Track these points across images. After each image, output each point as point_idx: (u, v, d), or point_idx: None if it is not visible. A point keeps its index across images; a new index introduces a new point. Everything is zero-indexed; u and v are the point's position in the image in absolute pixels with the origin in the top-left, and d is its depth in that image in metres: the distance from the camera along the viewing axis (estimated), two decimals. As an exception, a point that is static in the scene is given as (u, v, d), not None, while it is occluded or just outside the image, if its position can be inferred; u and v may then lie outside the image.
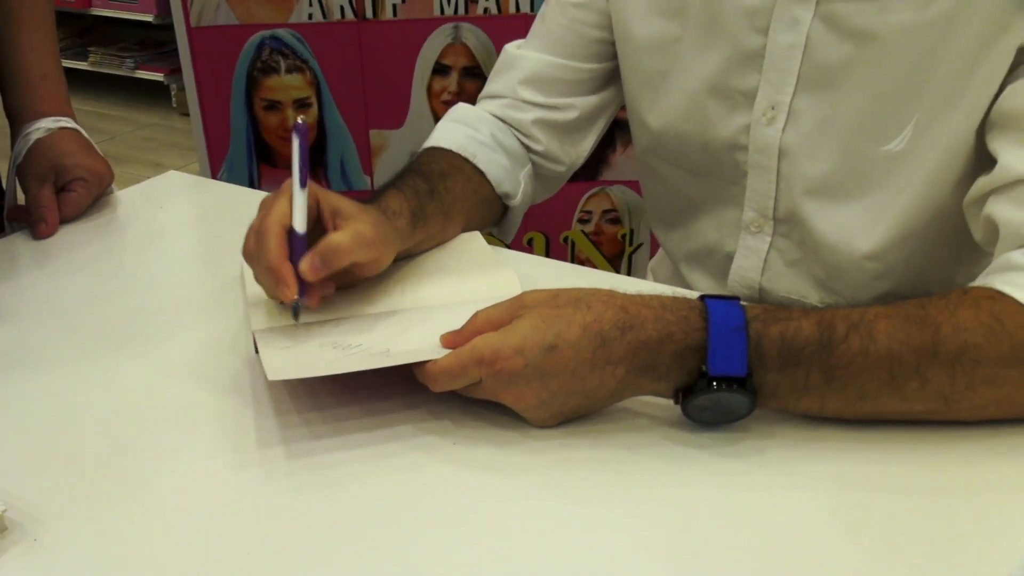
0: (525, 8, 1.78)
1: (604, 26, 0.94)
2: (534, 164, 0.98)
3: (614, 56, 0.96)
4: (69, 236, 0.95)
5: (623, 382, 0.64)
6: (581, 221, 2.00)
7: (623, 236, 2.02)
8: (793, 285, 0.90)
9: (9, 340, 0.78)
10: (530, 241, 1.98)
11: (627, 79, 0.95)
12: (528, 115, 0.96)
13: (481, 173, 0.92)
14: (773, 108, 0.83)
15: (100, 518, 0.59)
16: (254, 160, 1.90)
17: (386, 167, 1.91)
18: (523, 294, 0.67)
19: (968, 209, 0.78)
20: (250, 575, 0.55)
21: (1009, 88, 0.74)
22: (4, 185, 1.05)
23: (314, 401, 0.69)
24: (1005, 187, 0.72)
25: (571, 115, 0.97)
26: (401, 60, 1.82)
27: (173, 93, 3.99)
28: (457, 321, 0.68)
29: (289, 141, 1.87)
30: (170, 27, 4.04)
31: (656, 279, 1.12)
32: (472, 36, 1.81)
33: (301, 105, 1.85)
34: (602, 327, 0.63)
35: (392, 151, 1.90)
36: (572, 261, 1.79)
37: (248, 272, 0.76)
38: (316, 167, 1.91)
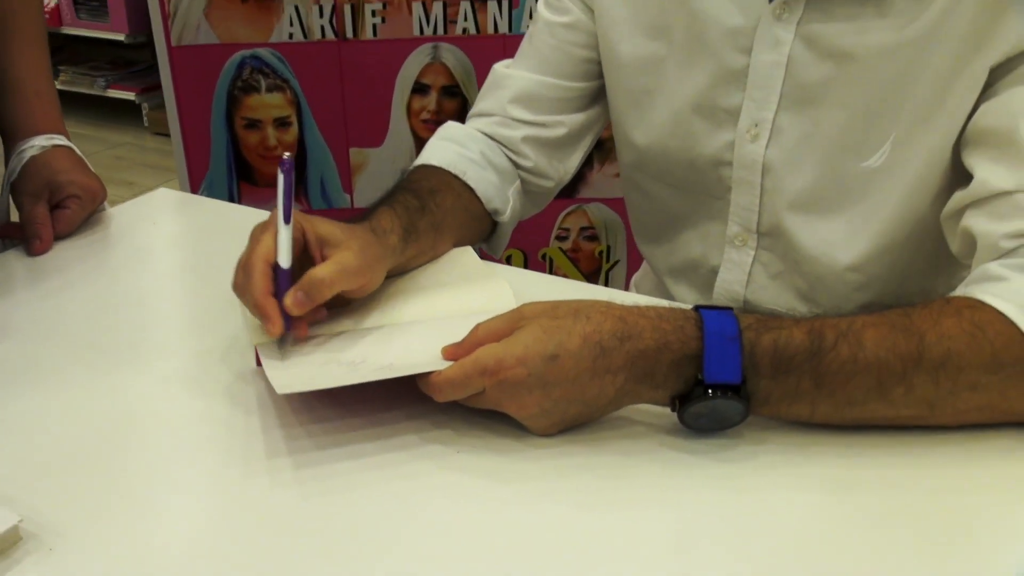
0: (503, 28, 1.80)
1: (591, 46, 0.97)
2: (523, 180, 1.00)
3: (600, 75, 0.98)
4: (64, 252, 0.96)
5: (622, 390, 0.66)
6: (559, 238, 2.02)
7: (600, 253, 2.05)
8: (777, 297, 0.93)
9: (12, 355, 0.78)
10: (508, 258, 2.00)
11: (613, 97, 0.97)
12: (518, 132, 0.98)
13: (471, 190, 0.94)
14: (756, 125, 0.86)
15: (113, 527, 0.60)
16: (234, 178, 1.91)
17: (366, 185, 1.93)
18: (523, 306, 0.69)
19: (945, 222, 0.81)
20: (265, 581, 0.56)
21: (983, 107, 0.77)
22: (-2, 202, 1.06)
23: (318, 412, 0.70)
24: (981, 201, 0.74)
25: (559, 132, 0.99)
26: (381, 79, 1.84)
27: (145, 112, 3.98)
28: (456, 334, 0.70)
29: (269, 160, 1.90)
30: (142, 46, 4.05)
31: (639, 293, 1.14)
32: (451, 56, 1.83)
33: (281, 124, 1.87)
34: (601, 337, 0.64)
35: (372, 169, 1.92)
36: (552, 277, 1.80)
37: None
38: (297, 185, 1.92)
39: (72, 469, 0.65)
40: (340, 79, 1.83)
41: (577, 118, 0.99)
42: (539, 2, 1.00)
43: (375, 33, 1.80)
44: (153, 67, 4.10)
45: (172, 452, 0.67)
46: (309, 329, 0.75)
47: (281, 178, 0.73)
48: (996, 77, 0.76)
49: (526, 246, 2.01)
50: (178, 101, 1.83)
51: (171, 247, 0.99)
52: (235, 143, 1.88)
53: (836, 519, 0.61)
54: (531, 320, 0.66)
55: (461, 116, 1.86)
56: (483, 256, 0.92)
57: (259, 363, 0.73)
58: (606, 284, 2.07)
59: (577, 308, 0.67)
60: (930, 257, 0.87)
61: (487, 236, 1.00)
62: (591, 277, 2.06)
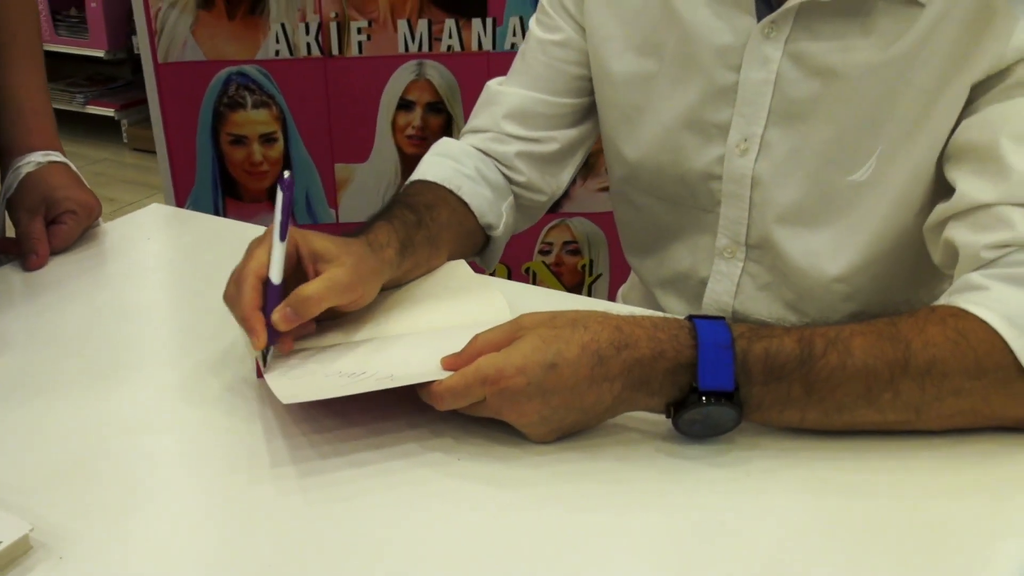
0: (487, 46, 1.83)
1: (582, 63, 0.99)
2: (516, 195, 1.02)
3: (591, 91, 1.00)
4: (60, 267, 0.97)
5: (619, 398, 0.67)
6: (542, 252, 2.04)
7: (583, 267, 2.07)
8: (765, 308, 0.95)
9: (14, 368, 0.79)
10: (492, 273, 2.01)
11: (604, 113, 1.00)
12: (511, 148, 1.00)
13: (465, 204, 0.96)
14: (746, 140, 0.89)
15: (122, 535, 0.61)
16: (220, 194, 1.91)
17: (351, 200, 1.94)
18: (521, 317, 0.70)
19: (928, 234, 0.83)
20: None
21: (964, 122, 0.79)
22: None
23: (319, 422, 0.72)
24: (962, 213, 0.77)
25: (552, 147, 1.01)
26: (366, 96, 1.85)
27: (124, 128, 3.98)
28: (455, 345, 0.71)
29: (255, 176, 1.91)
30: (121, 63, 4.04)
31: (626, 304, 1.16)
32: (436, 73, 1.85)
33: (267, 140, 1.88)
34: (599, 346, 0.66)
35: (357, 184, 1.93)
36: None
37: None
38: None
39: (79, 479, 0.66)
40: (326, 95, 1.85)
41: (569, 134, 1.02)
42: (532, 20, 1.02)
43: (360, 50, 1.81)
44: (132, 84, 4.10)
45: (177, 461, 0.69)
46: (303, 342, 0.77)
47: (280, 196, 0.75)
48: (977, 94, 0.79)
49: (509, 260, 2.03)
50: (164, 117, 1.84)
51: (167, 261, 1.00)
52: (221, 159, 1.89)
53: (827, 522, 0.62)
54: (530, 330, 0.68)
55: (446, 132, 1.89)
56: (475, 270, 0.93)
57: (260, 374, 0.74)
58: (589, 297, 2.08)
59: (575, 318, 0.68)
60: (914, 268, 0.90)
61: (480, 250, 1.02)
62: (574, 291, 2.08)
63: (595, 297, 2.10)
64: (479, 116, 1.03)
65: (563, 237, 2.03)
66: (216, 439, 0.71)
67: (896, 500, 0.64)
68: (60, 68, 4.07)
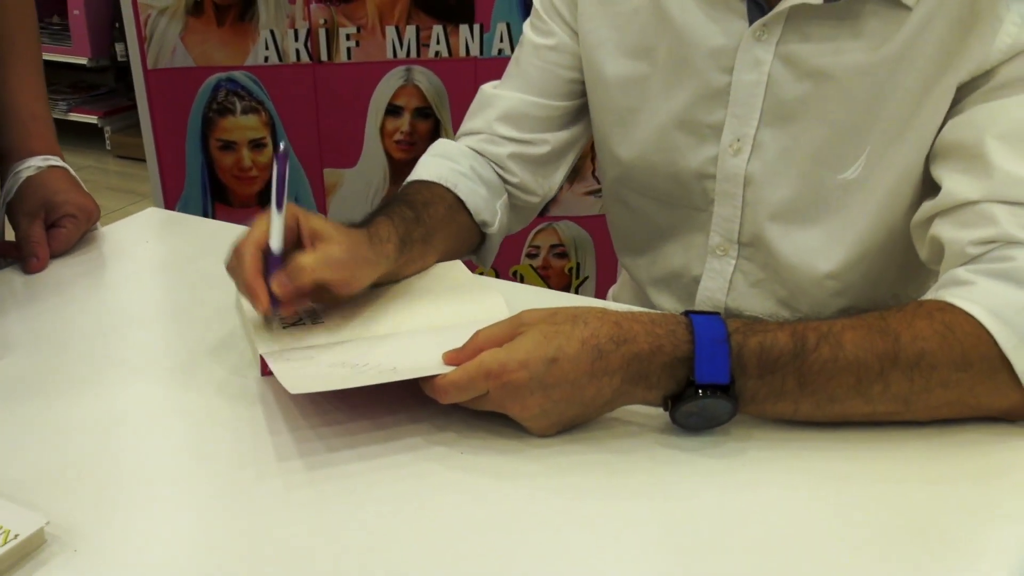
0: (475, 52, 1.85)
1: (574, 67, 1.01)
2: (509, 195, 1.04)
3: (583, 94, 1.02)
4: (60, 271, 0.98)
5: (618, 391, 0.69)
6: (529, 256, 2.06)
7: (570, 270, 2.09)
8: (757, 304, 0.97)
9: (22, 368, 0.80)
10: (480, 275, 2.03)
11: (598, 115, 1.02)
12: (504, 149, 1.02)
13: (461, 202, 0.98)
14: (739, 140, 0.91)
15: (134, 529, 0.62)
16: (209, 199, 1.92)
17: (340, 205, 1.95)
18: (522, 313, 0.72)
19: (915, 230, 0.85)
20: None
21: (950, 122, 0.81)
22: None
23: (324, 417, 0.73)
24: (948, 210, 0.79)
25: (543, 149, 1.03)
26: (355, 101, 1.87)
27: (107, 136, 3.97)
28: (456, 341, 0.73)
29: (244, 181, 1.92)
30: (104, 70, 4.02)
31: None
32: (424, 78, 1.87)
33: (256, 145, 1.89)
34: (599, 341, 0.68)
35: (346, 189, 1.94)
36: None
37: (245, 300, 0.80)
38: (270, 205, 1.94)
39: (91, 475, 0.67)
40: (315, 101, 1.86)
41: (561, 136, 1.04)
42: (526, 25, 1.05)
43: (349, 56, 1.83)
44: (115, 91, 4.10)
45: (186, 456, 0.70)
46: (309, 339, 0.78)
47: (276, 167, 0.77)
48: (963, 94, 0.81)
49: (497, 263, 2.03)
50: (153, 123, 1.85)
51: (166, 263, 1.01)
52: (210, 164, 1.90)
53: (823, 507, 0.64)
54: (531, 326, 0.69)
55: (434, 137, 1.91)
56: (472, 269, 0.95)
57: (264, 373, 0.76)
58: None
59: (575, 314, 0.70)
60: (902, 264, 0.92)
61: (476, 248, 1.04)
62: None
63: (582, 300, 2.12)
64: (473, 119, 1.05)
65: (550, 240, 2.05)
66: (223, 434, 0.72)
67: (888, 488, 0.66)
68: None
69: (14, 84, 1.03)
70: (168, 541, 0.61)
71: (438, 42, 1.84)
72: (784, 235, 0.92)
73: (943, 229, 0.79)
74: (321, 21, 1.79)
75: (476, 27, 1.82)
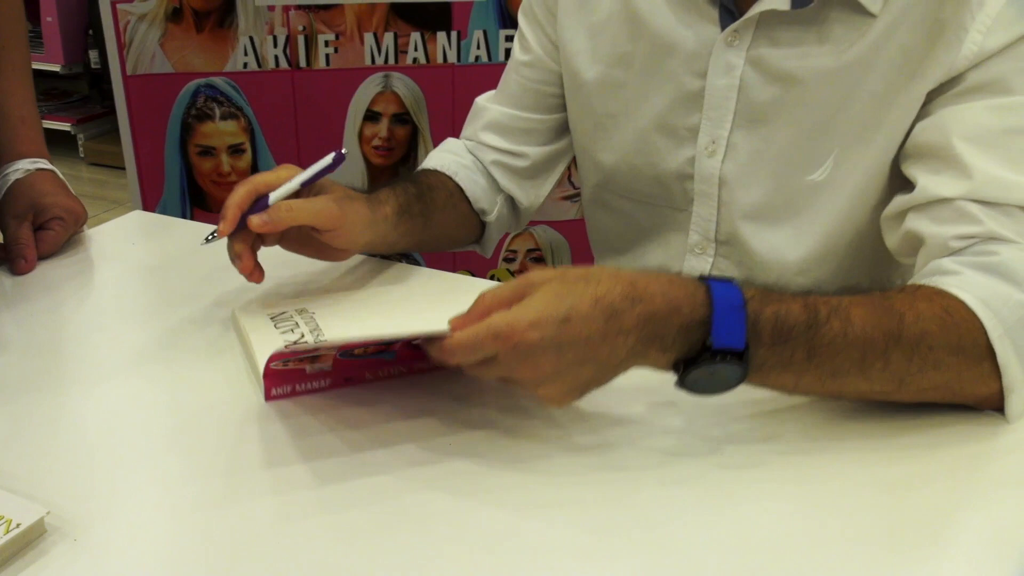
0: (452, 58, 1.87)
1: (551, 82, 1.06)
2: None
3: (562, 108, 1.07)
4: (50, 272, 0.99)
5: (632, 351, 0.67)
6: (507, 260, 2.08)
7: (547, 274, 2.11)
8: (733, 300, 1.00)
9: (17, 367, 0.81)
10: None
11: (578, 123, 1.05)
12: (488, 156, 1.08)
13: (461, 190, 1.03)
14: (714, 142, 0.94)
15: (132, 519, 0.64)
16: (188, 205, 1.93)
17: (319, 210, 1.96)
18: (530, 274, 0.69)
19: (885, 222, 0.88)
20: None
21: (919, 125, 0.85)
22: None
23: (321, 412, 0.74)
24: (923, 206, 0.82)
25: (525, 163, 1.08)
26: (333, 107, 1.88)
27: (81, 143, 3.95)
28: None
29: (222, 186, 1.92)
30: (77, 77, 4.00)
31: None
32: (402, 84, 1.89)
33: (235, 151, 1.90)
34: (612, 299, 0.65)
35: (325, 195, 1.96)
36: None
37: (243, 319, 0.84)
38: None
39: (88, 467, 0.69)
40: (293, 107, 1.88)
41: (543, 150, 1.08)
42: (515, 40, 1.10)
43: (328, 63, 1.85)
44: (88, 98, 4.08)
45: (180, 450, 0.71)
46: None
47: (325, 163, 0.87)
48: (931, 98, 0.84)
49: (475, 268, 2.07)
50: (132, 129, 1.85)
51: (154, 265, 1.02)
52: (189, 170, 1.91)
53: (810, 518, 0.65)
54: (540, 285, 0.67)
55: (412, 143, 1.93)
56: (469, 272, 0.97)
57: (268, 398, 0.76)
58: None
59: (586, 273, 0.68)
60: (871, 261, 0.95)
61: (477, 238, 1.09)
62: (539, 298, 2.11)
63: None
64: (466, 128, 1.12)
65: (527, 245, 2.08)
66: (218, 428, 0.73)
67: (881, 491, 0.67)
68: (14, 83, 4.03)
69: (4, 87, 1.04)
70: (164, 530, 0.63)
71: (416, 49, 1.86)
72: (757, 233, 0.95)
73: (921, 224, 0.81)
74: (300, 28, 1.81)
75: (453, 34, 1.85)
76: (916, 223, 0.82)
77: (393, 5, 1.81)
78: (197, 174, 1.91)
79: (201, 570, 0.60)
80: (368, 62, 1.86)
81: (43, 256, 1.00)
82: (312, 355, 0.75)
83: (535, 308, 0.65)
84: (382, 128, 1.92)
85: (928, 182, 0.82)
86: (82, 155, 3.95)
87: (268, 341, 0.80)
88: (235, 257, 0.84)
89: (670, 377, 0.70)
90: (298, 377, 0.76)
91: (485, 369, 0.68)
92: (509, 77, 1.09)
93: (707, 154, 0.95)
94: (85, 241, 1.06)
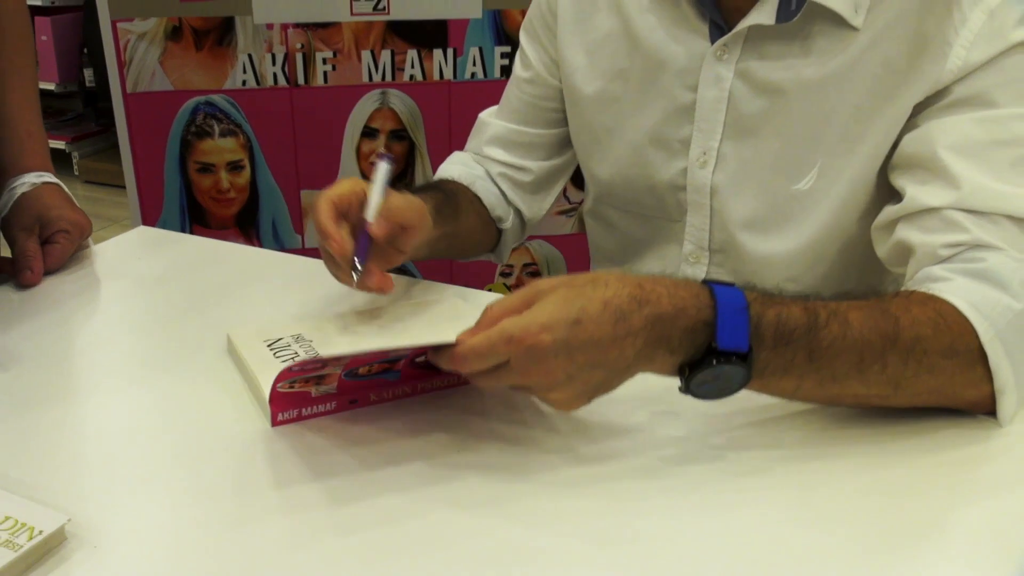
0: (448, 75, 1.90)
1: (551, 97, 1.09)
2: None
3: (563, 123, 1.10)
4: (58, 286, 1.00)
5: (640, 353, 0.68)
6: (503, 275, 2.10)
7: (542, 287, 2.13)
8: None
9: (29, 378, 0.83)
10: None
11: (577, 136, 1.09)
12: (494, 169, 1.12)
13: (479, 199, 1.07)
14: (704, 153, 0.96)
15: (150, 526, 0.65)
16: (187, 221, 1.95)
17: (317, 225, 1.98)
18: (537, 282, 0.70)
19: (875, 232, 0.90)
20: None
21: (906, 137, 0.87)
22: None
23: (326, 438, 0.75)
24: (912, 215, 0.84)
25: (528, 177, 1.12)
26: (331, 124, 1.91)
27: (75, 161, 3.97)
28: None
29: (221, 202, 1.94)
30: (72, 95, 4.01)
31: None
32: (399, 101, 1.91)
33: (234, 167, 1.92)
34: (621, 302, 0.67)
35: (323, 210, 1.98)
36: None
37: (241, 348, 0.83)
38: (248, 227, 1.98)
39: (105, 476, 0.70)
40: (292, 124, 1.90)
41: (545, 165, 1.12)
42: (516, 57, 1.13)
43: (326, 80, 1.87)
44: (83, 116, 4.11)
45: (194, 460, 0.73)
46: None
47: (384, 170, 0.89)
48: (918, 111, 0.86)
49: (472, 282, 2.08)
50: (132, 146, 1.87)
51: (161, 279, 1.04)
52: (188, 187, 1.93)
53: (812, 520, 0.66)
54: (549, 291, 0.68)
55: (409, 158, 1.95)
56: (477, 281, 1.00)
57: (274, 423, 0.76)
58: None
59: (594, 277, 0.69)
60: (860, 267, 0.97)
61: (493, 246, 1.13)
62: (535, 311, 2.13)
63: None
64: (470, 142, 1.16)
65: (523, 259, 2.10)
66: (226, 445, 0.75)
67: (878, 492, 0.68)
68: (10, 102, 4.05)
69: (13, 102, 1.07)
70: (184, 537, 0.64)
71: (412, 66, 1.88)
72: (748, 241, 0.97)
73: (910, 233, 0.84)
74: (298, 46, 1.83)
75: (449, 51, 1.87)
76: (905, 232, 0.84)
77: (390, 23, 1.84)
78: (196, 191, 1.93)
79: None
80: (365, 79, 1.88)
81: (51, 269, 1.02)
82: (319, 374, 0.75)
83: (546, 312, 0.66)
84: (379, 144, 1.94)
85: (916, 192, 0.84)
86: (76, 173, 3.97)
87: (269, 369, 0.80)
88: (364, 274, 0.85)
89: (671, 386, 0.71)
90: (304, 401, 0.77)
91: (496, 377, 0.69)
92: (511, 93, 1.12)
93: (699, 165, 0.97)
94: (92, 256, 1.08)
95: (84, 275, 1.04)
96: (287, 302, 0.96)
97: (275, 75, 1.85)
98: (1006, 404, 0.74)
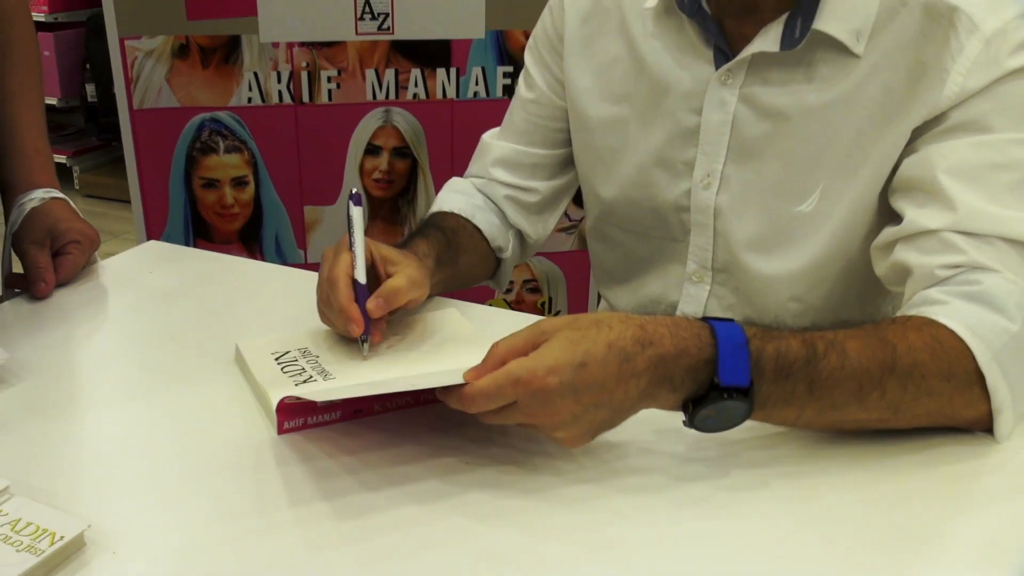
0: (451, 94, 1.92)
1: (556, 118, 1.11)
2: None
3: (567, 143, 1.12)
4: (70, 300, 1.02)
5: (644, 393, 0.70)
6: (503, 290, 2.12)
7: (542, 304, 2.15)
8: (728, 326, 1.04)
9: (46, 389, 0.85)
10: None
11: (581, 157, 1.10)
12: (500, 192, 1.13)
13: (479, 231, 1.09)
14: (708, 175, 0.98)
15: (169, 531, 0.67)
16: (191, 236, 1.97)
17: (320, 242, 2.00)
18: (541, 322, 0.73)
19: (875, 252, 0.92)
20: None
21: (906, 161, 0.89)
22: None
23: (336, 457, 0.76)
24: (910, 237, 0.86)
25: (535, 198, 1.13)
26: (335, 141, 1.93)
27: (76, 175, 3.99)
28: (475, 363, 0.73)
29: (225, 218, 1.96)
30: (73, 110, 4.04)
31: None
32: (402, 119, 1.93)
33: (238, 183, 1.94)
34: (624, 344, 0.69)
35: (326, 226, 2.00)
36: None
37: (250, 360, 0.85)
38: (252, 242, 1.99)
39: (124, 483, 0.72)
40: (296, 141, 1.92)
41: (550, 184, 1.14)
42: (520, 79, 1.15)
43: (330, 98, 1.89)
44: (84, 131, 4.13)
45: (211, 469, 0.74)
46: (322, 392, 0.80)
47: (355, 211, 0.91)
48: (917, 136, 0.88)
49: (472, 298, 2.10)
50: (138, 161, 1.89)
51: (171, 293, 1.05)
52: (192, 202, 1.94)
53: (814, 532, 0.67)
54: (554, 333, 0.70)
55: (411, 176, 1.98)
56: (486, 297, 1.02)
57: (281, 431, 0.78)
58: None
59: (598, 319, 0.71)
60: (861, 288, 0.99)
61: (492, 274, 1.14)
62: (534, 328, 2.14)
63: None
64: (473, 165, 1.17)
65: (523, 276, 2.12)
66: (238, 445, 0.77)
67: (878, 504, 0.70)
68: (12, 116, 4.06)
69: (23, 120, 1.09)
70: (202, 543, 0.66)
71: (416, 85, 1.91)
72: (751, 262, 0.99)
73: (908, 255, 0.85)
74: (303, 64, 1.85)
75: (452, 71, 1.90)
76: (904, 254, 0.86)
77: (394, 43, 1.86)
78: (201, 206, 1.95)
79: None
80: (369, 97, 1.90)
81: (63, 281, 1.04)
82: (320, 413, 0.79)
83: (552, 355, 0.68)
84: (382, 161, 1.96)
85: (915, 215, 0.86)
86: (77, 187, 3.99)
87: (277, 382, 0.83)
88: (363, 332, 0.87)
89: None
90: (309, 410, 0.79)
91: (503, 416, 0.71)
92: (515, 114, 1.14)
93: (702, 186, 0.99)
94: (102, 270, 1.10)
95: (95, 288, 1.06)
96: (293, 315, 0.98)
97: (280, 92, 1.87)
98: (1003, 422, 0.76)
